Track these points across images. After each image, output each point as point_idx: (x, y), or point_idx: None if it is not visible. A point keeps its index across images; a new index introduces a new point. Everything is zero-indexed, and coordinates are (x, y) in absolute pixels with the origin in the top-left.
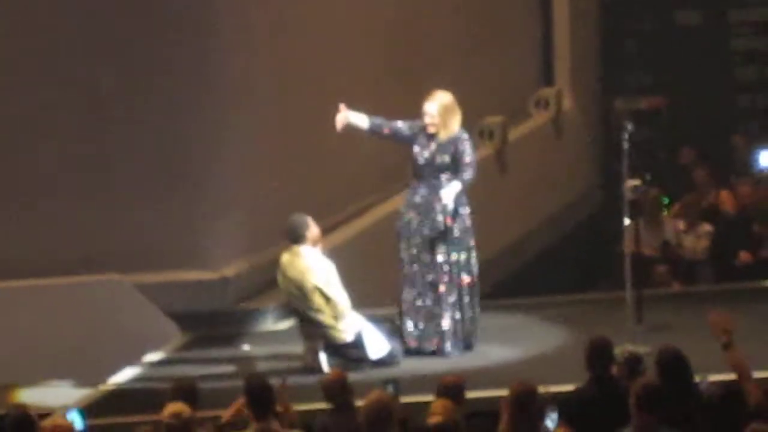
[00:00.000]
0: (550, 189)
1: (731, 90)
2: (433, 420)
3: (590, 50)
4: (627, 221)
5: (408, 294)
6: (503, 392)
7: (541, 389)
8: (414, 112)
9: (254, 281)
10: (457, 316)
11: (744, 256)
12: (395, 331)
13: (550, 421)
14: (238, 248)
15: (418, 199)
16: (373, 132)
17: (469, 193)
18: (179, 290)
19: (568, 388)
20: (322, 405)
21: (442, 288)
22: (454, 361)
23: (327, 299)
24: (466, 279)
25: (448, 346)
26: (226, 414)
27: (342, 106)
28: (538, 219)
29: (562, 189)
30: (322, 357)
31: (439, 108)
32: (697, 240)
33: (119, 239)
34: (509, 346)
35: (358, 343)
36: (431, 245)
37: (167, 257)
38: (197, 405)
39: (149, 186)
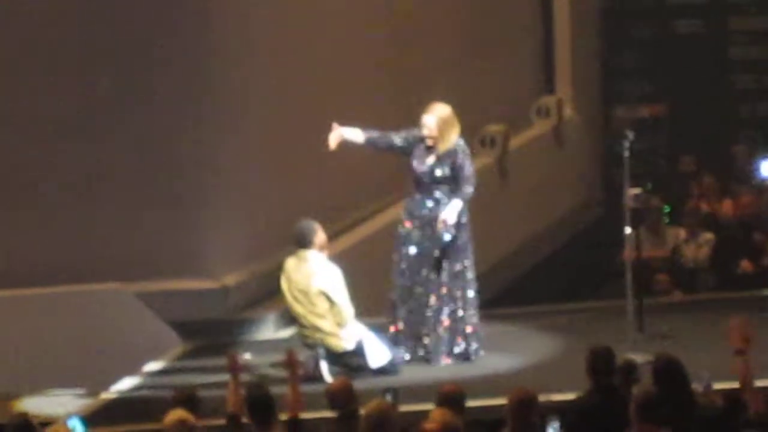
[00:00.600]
0: (551, 197)
1: (731, 98)
2: (428, 427)
3: (591, 59)
4: (628, 230)
5: (400, 310)
6: (504, 401)
7: (542, 398)
8: (414, 121)
9: (255, 290)
10: (452, 325)
11: (745, 264)
12: (392, 338)
13: (552, 429)
14: (239, 257)
15: (419, 211)
16: (369, 145)
17: (469, 201)
18: (180, 299)
19: (570, 396)
20: (326, 413)
21: (436, 300)
22: (454, 369)
23: (331, 305)
24: (464, 291)
25: (440, 356)
26: (229, 400)
27: (335, 125)
28: (539, 227)
29: (563, 197)
30: (323, 365)
31: (438, 121)
32: (698, 248)
33: (120, 248)
34: (510, 354)
35: (358, 352)
36: (430, 259)
37: (168, 266)
38: (198, 414)
39: (150, 195)
